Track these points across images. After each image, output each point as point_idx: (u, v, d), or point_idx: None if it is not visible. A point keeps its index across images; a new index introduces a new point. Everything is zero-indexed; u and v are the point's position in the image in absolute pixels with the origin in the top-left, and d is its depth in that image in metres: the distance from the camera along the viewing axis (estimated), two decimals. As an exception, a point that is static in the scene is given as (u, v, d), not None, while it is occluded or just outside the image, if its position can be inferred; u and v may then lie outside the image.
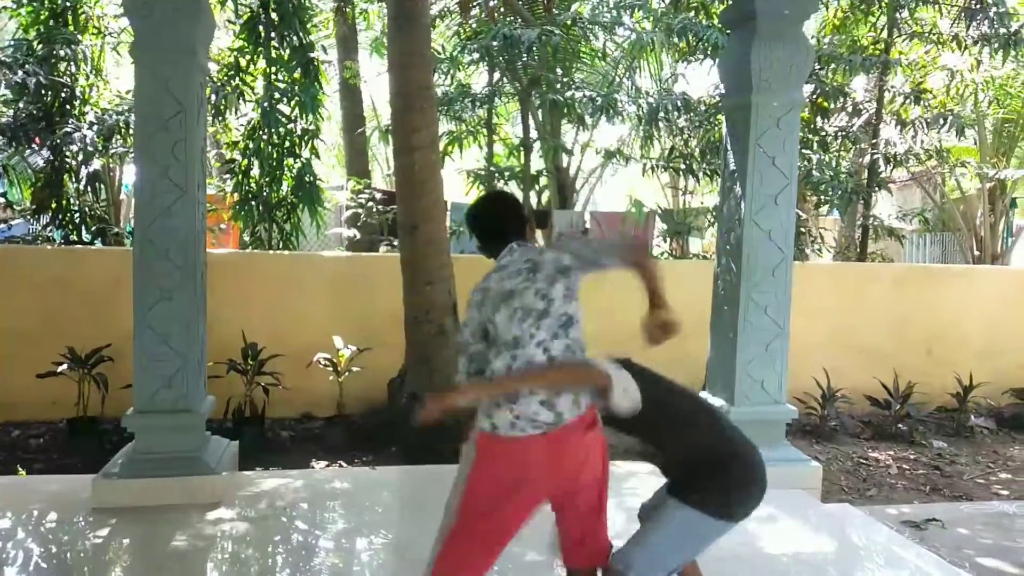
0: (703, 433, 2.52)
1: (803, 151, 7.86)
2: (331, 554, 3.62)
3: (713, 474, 2.46)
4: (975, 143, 10.07)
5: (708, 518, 2.42)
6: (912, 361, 7.03)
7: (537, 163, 9.27)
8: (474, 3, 8.33)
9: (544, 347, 2.26)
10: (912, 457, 5.89)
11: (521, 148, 8.39)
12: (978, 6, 7.99)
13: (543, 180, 9.49)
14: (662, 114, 8.25)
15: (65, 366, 5.40)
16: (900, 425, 6.44)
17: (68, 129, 6.93)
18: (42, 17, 7.35)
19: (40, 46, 7.12)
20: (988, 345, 7.31)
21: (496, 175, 8.41)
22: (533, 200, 9.28)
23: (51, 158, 7.19)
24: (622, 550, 2.45)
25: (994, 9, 7.87)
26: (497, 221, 2.49)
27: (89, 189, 7.40)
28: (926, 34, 8.52)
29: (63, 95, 7.28)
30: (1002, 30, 7.85)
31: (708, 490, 2.45)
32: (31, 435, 5.61)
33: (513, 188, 9.08)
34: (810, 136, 8.37)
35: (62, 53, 7.15)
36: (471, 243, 9.62)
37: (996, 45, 7.94)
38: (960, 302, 7.41)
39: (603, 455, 2.35)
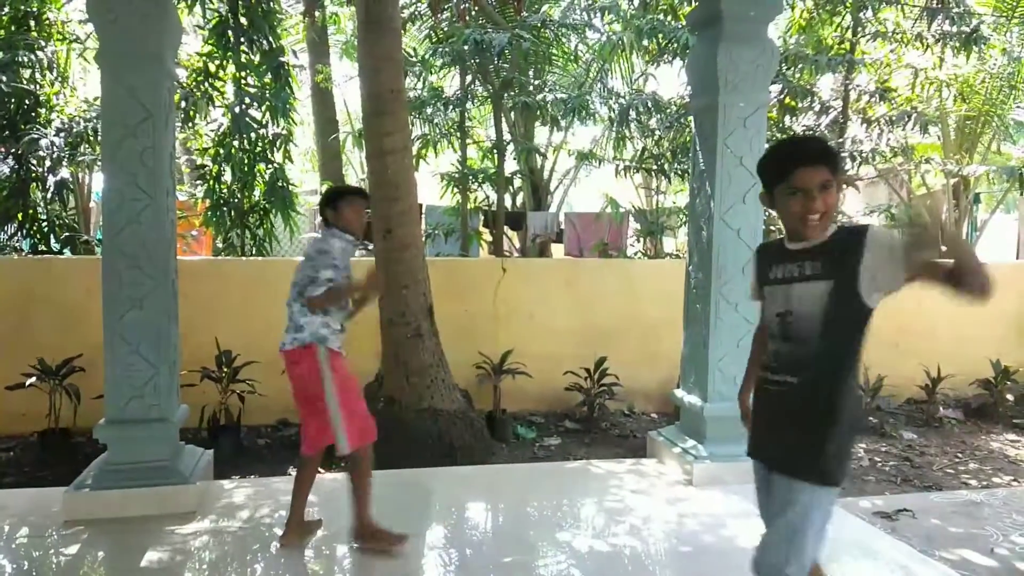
0: None
1: (772, 150, 7.94)
2: (310, 562, 3.60)
3: None
4: (939, 140, 10.27)
5: None
6: (881, 354, 7.11)
7: (511, 165, 9.29)
8: (445, 4, 8.34)
9: None
10: (883, 449, 5.99)
11: (495, 151, 8.41)
12: (939, 5, 8.17)
13: (517, 182, 9.51)
14: (633, 115, 8.32)
15: (35, 378, 5.32)
16: (871, 418, 6.56)
17: (34, 136, 6.82)
18: (3, 22, 7.23)
19: (1, 52, 7.00)
20: (954, 337, 7.45)
21: (470, 177, 8.43)
22: (508, 202, 9.30)
23: (16, 166, 7.07)
24: None
25: (954, 8, 8.05)
26: None
27: (57, 197, 7.29)
28: (890, 33, 8.68)
29: (27, 102, 7.16)
30: (963, 28, 8.03)
31: None
32: (1, 449, 5.52)
33: (488, 190, 9.11)
34: (778, 135, 8.48)
35: (25, 60, 7.04)
36: (447, 246, 9.62)
37: (957, 43, 8.12)
38: (927, 296, 7.46)
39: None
